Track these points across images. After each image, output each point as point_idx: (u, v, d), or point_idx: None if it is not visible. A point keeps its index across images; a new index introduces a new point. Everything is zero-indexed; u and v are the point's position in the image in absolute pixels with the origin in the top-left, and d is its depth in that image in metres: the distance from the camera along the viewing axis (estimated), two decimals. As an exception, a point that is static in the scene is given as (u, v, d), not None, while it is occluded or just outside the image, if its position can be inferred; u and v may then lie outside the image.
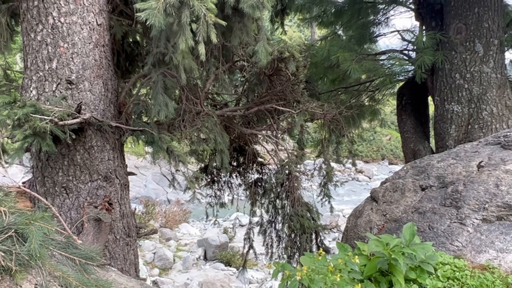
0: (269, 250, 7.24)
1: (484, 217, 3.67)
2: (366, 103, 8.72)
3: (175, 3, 3.43)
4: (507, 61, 6.65)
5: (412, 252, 2.92)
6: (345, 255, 3.09)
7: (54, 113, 3.69)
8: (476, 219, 3.69)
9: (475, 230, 3.62)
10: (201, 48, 3.62)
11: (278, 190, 6.44)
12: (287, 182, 6.21)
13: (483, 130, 6.07)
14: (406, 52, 7.46)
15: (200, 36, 3.57)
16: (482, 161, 4.20)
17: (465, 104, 6.19)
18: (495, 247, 3.43)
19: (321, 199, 6.91)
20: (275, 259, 7.11)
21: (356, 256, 3.05)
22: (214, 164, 6.96)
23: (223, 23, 3.71)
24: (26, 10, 4.10)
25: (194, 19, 3.61)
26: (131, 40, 5.85)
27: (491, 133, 5.97)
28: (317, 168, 6.79)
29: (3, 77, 5.92)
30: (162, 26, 3.43)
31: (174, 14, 3.48)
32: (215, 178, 7.67)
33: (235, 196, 7.85)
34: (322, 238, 6.49)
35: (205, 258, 13.65)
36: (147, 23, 3.40)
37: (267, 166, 7.44)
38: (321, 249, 4.26)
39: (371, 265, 3.02)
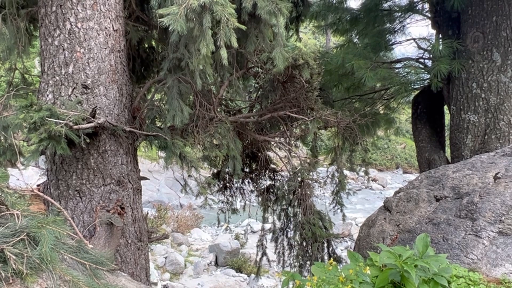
0: (281, 258, 7.20)
1: (500, 229, 3.59)
2: (381, 111, 8.63)
3: (196, 8, 3.46)
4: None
5: (425, 264, 2.86)
6: (356, 266, 3.05)
7: (69, 117, 3.73)
8: (492, 231, 3.61)
9: (491, 243, 3.54)
10: (223, 53, 3.64)
11: (290, 197, 6.42)
12: (299, 190, 6.19)
13: (500, 141, 5.96)
14: (422, 60, 7.37)
15: (221, 40, 3.60)
16: (498, 173, 4.12)
17: (481, 114, 6.09)
18: (512, 261, 3.35)
19: (333, 207, 6.87)
20: (287, 267, 7.07)
21: (368, 267, 3.00)
22: (227, 170, 6.98)
23: (243, 27, 3.73)
24: (44, 15, 4.17)
25: (213, 24, 3.63)
26: (146, 45, 5.90)
27: (508, 143, 5.86)
28: (329, 175, 6.75)
29: (21, 80, 6.02)
30: (184, 31, 3.46)
31: (194, 19, 3.51)
32: (227, 184, 7.68)
33: (247, 203, 7.84)
34: (334, 247, 6.44)
35: (216, 264, 13.62)
36: (170, 29, 3.43)
37: (280, 172, 7.42)
38: (332, 258, 4.22)
39: (383, 276, 2.97)
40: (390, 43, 7.83)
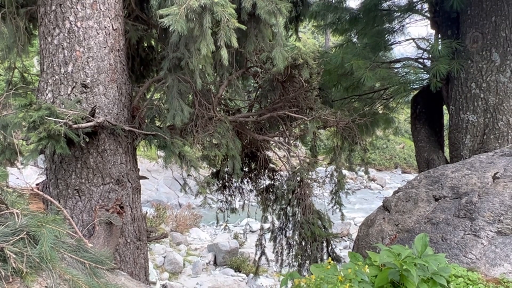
0: (280, 258, 7.21)
1: (499, 229, 3.60)
2: (380, 111, 8.64)
3: (197, 9, 3.47)
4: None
5: (425, 263, 2.87)
6: (355, 265, 3.05)
7: (69, 116, 3.73)
8: (491, 231, 3.62)
9: (490, 242, 3.55)
10: (224, 53, 3.65)
11: (290, 197, 6.42)
12: (298, 189, 6.19)
13: (499, 141, 5.97)
14: (421, 60, 7.38)
15: (222, 40, 3.60)
16: (497, 172, 4.13)
17: (480, 114, 6.10)
18: (510, 261, 3.35)
19: (332, 207, 6.88)
20: (286, 266, 7.07)
21: (367, 266, 3.00)
22: (226, 169, 6.99)
23: (244, 27, 3.73)
24: (43, 14, 4.16)
25: (213, 24, 3.64)
26: (146, 44, 5.90)
27: (507, 143, 5.87)
28: (328, 175, 6.75)
29: (20, 79, 6.01)
30: (184, 32, 3.47)
31: (195, 19, 3.51)
32: (227, 184, 7.68)
33: (246, 202, 7.84)
34: (333, 246, 6.44)
35: (215, 263, 13.63)
36: (170, 29, 3.44)
37: (279, 172, 7.43)
38: (331, 258, 4.22)
39: (382, 276, 2.98)
40: (389, 43, 7.83)
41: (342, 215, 6.94)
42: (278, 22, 4.42)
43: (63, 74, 4.14)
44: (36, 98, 4.26)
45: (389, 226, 4.46)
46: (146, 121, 4.68)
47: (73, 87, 4.16)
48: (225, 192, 7.76)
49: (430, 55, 6.86)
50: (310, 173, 6.44)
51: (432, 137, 7.21)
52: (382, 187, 26.06)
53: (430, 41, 7.19)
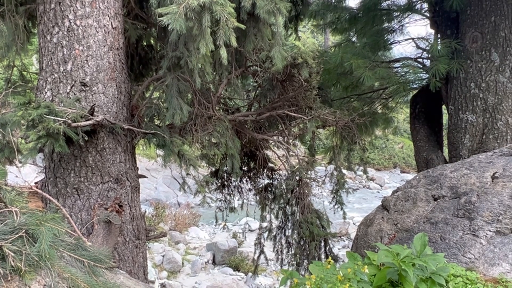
0: (279, 257, 7.21)
1: (498, 229, 3.60)
2: (379, 111, 8.64)
3: (196, 8, 3.46)
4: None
5: (423, 263, 2.87)
6: (354, 265, 3.05)
7: (68, 115, 3.72)
8: (490, 231, 3.62)
9: (488, 242, 3.56)
10: (223, 52, 3.65)
11: (288, 196, 6.42)
12: (297, 188, 6.19)
13: (498, 141, 5.98)
14: (420, 60, 7.39)
15: (221, 40, 3.60)
16: (496, 172, 4.13)
17: (479, 114, 6.11)
18: (509, 260, 3.36)
19: (334, 206, 6.89)
20: (284, 265, 7.08)
21: (366, 266, 3.01)
22: (225, 168, 6.98)
23: (243, 26, 3.73)
24: (43, 12, 4.16)
25: (212, 23, 3.63)
26: (145, 43, 5.89)
27: (506, 143, 5.88)
28: (328, 174, 6.75)
29: (19, 78, 6.00)
30: (183, 31, 3.46)
31: (194, 18, 3.51)
32: (226, 183, 7.68)
33: (245, 201, 7.84)
34: (331, 246, 6.45)
35: (214, 262, 13.63)
36: (169, 28, 3.43)
37: (278, 171, 7.43)
38: (329, 257, 4.23)
39: (381, 275, 2.98)
40: (389, 42, 7.84)
41: (344, 213, 6.95)
42: (278, 21, 4.42)
43: (62, 73, 4.14)
44: (35, 97, 4.26)
45: (388, 226, 4.46)
46: (145, 119, 4.67)
47: (72, 86, 4.15)
48: (224, 191, 7.76)
49: (430, 55, 6.86)
50: (309, 172, 6.45)
51: (431, 136, 7.21)
52: (381, 186, 26.07)
53: (429, 41, 7.20)
